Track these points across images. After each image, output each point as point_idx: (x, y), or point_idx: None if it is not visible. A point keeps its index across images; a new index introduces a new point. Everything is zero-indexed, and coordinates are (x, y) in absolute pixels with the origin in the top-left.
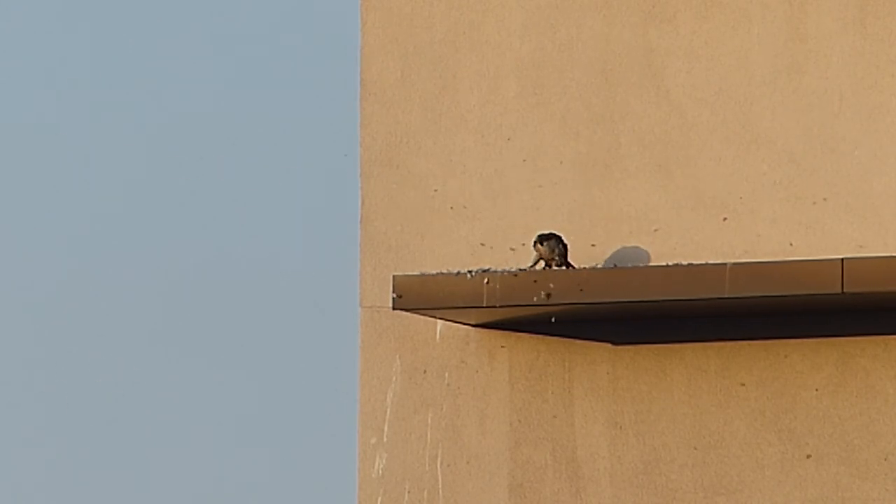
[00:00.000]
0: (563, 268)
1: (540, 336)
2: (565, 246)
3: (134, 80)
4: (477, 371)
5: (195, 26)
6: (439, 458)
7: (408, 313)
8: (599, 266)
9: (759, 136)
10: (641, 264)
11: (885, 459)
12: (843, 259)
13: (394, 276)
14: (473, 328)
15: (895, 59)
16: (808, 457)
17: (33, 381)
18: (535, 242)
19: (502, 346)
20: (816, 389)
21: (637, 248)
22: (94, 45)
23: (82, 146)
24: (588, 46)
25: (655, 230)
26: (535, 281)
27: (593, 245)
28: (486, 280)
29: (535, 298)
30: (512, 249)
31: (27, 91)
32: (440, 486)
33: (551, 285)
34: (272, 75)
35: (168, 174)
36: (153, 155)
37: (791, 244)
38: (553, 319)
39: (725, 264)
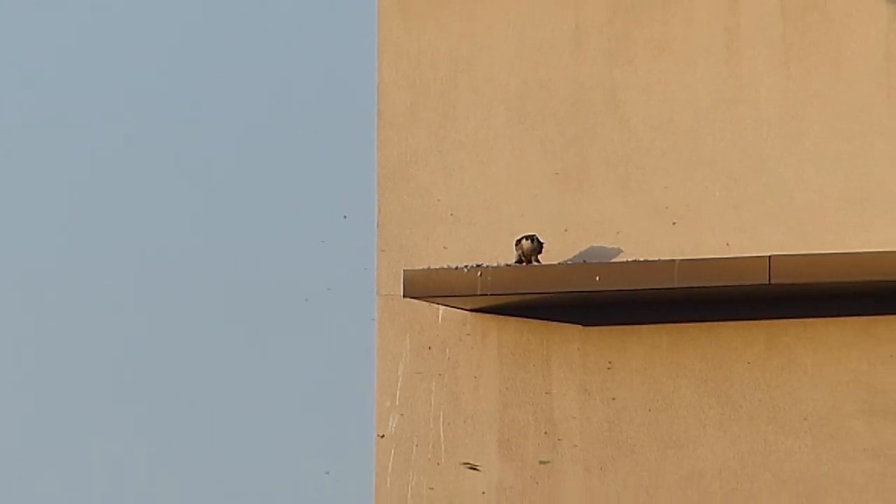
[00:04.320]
0: (536, 263)
1: (524, 319)
2: (541, 244)
3: (165, 108)
4: (472, 348)
5: (226, 66)
6: (441, 419)
7: (416, 300)
8: (571, 262)
9: (703, 157)
10: (606, 260)
11: (805, 419)
12: (769, 256)
13: (404, 271)
14: (469, 312)
15: (813, 94)
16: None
17: (32, 378)
18: (518, 241)
19: (492, 328)
20: (748, 362)
21: (602, 247)
22: (98, 49)
23: (84, 146)
24: (563, 83)
25: (617, 233)
26: (519, 274)
27: (567, 245)
28: (479, 273)
29: (519, 288)
30: (501, 248)
31: (27, 92)
32: (442, 441)
33: (532, 277)
34: (302, 107)
35: (195, 188)
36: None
37: (728, 244)
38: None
39: (674, 260)
